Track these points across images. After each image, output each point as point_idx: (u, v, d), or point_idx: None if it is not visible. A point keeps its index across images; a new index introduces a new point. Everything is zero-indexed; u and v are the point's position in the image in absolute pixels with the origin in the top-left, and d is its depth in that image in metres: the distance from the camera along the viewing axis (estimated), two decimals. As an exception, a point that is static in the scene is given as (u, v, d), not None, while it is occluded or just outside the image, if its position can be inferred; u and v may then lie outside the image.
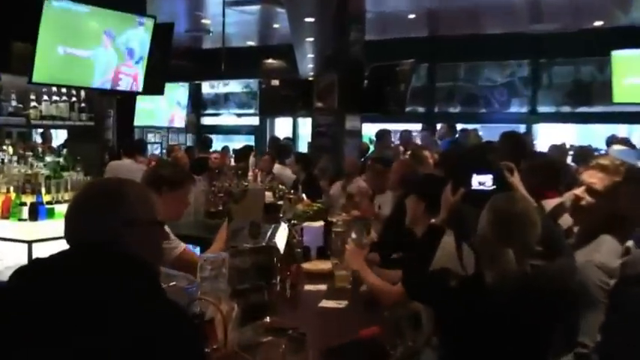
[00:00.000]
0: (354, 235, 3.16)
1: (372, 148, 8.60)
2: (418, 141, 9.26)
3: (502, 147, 3.52)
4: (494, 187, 2.16)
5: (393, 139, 8.46)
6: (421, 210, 2.61)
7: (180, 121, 12.92)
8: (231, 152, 10.02)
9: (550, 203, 2.86)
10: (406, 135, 8.69)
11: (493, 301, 1.78)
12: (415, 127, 10.09)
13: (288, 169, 7.38)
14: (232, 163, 8.55)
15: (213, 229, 4.59)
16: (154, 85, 6.27)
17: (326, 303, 2.89)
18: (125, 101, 7.00)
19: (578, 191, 2.06)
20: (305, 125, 11.62)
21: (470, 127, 9.00)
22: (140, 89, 5.90)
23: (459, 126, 8.59)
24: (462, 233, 2.24)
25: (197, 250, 4.34)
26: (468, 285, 1.88)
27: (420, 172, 3.95)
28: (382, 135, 8.14)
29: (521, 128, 10.16)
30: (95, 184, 1.51)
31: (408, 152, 6.28)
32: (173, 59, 7.21)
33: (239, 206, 2.55)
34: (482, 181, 2.17)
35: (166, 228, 2.78)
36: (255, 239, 2.59)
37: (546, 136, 10.12)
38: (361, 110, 8.10)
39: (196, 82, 12.97)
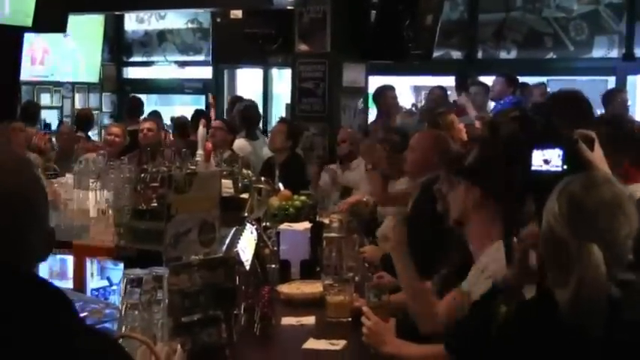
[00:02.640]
0: (371, 296, 2.95)
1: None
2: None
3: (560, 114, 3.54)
4: (565, 167, 2.19)
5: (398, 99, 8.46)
6: (473, 201, 2.67)
7: (91, 74, 12.87)
8: (170, 120, 10.05)
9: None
10: (438, 94, 8.69)
11: (568, 332, 1.80)
12: (446, 81, 10.11)
13: (258, 145, 7.41)
14: (171, 137, 8.58)
15: (145, 237, 4.62)
16: (50, 18, 6.26)
17: (314, 344, 2.91)
18: (5, 42, 6.95)
19: None
20: (282, 79, 11.61)
21: (531, 80, 9.04)
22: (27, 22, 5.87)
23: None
24: (511, 236, 2.27)
25: (119, 267, 4.37)
26: (526, 311, 1.89)
27: (455, 148, 3.99)
28: (380, 94, 8.18)
29: (610, 82, 10.19)
30: None
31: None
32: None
33: (182, 198, 2.58)
34: (547, 159, 2.20)
35: None
36: (207, 247, 2.61)
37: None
38: (366, 56, 8.10)
39: (116, 12, 12.88)
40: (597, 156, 2.31)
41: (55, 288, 1.41)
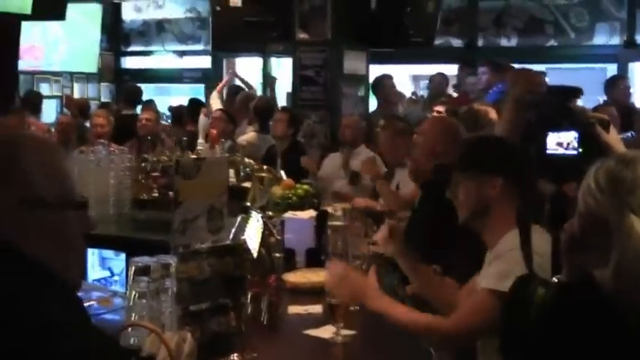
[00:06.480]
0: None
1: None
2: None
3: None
4: (581, 150, 2.16)
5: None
6: (496, 191, 2.57)
7: (88, 63, 12.84)
8: (167, 110, 10.02)
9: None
10: (439, 80, 8.65)
11: (612, 311, 1.70)
12: (446, 69, 10.09)
13: (269, 139, 7.37)
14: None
15: (145, 227, 4.60)
16: (49, 6, 6.22)
17: (322, 332, 2.88)
18: (3, 30, 6.91)
19: None
20: (282, 68, 11.56)
21: (531, 68, 9.00)
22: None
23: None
24: (528, 224, 2.23)
25: (121, 257, 4.35)
26: (566, 293, 1.83)
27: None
28: (379, 84, 8.14)
29: (611, 69, 10.17)
30: None
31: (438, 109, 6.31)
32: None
33: (191, 184, 2.55)
34: (562, 142, 2.17)
35: None
36: (215, 235, 2.58)
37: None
38: (368, 44, 8.07)
39: (114, 1, 12.87)
40: (613, 138, 2.29)
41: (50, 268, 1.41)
